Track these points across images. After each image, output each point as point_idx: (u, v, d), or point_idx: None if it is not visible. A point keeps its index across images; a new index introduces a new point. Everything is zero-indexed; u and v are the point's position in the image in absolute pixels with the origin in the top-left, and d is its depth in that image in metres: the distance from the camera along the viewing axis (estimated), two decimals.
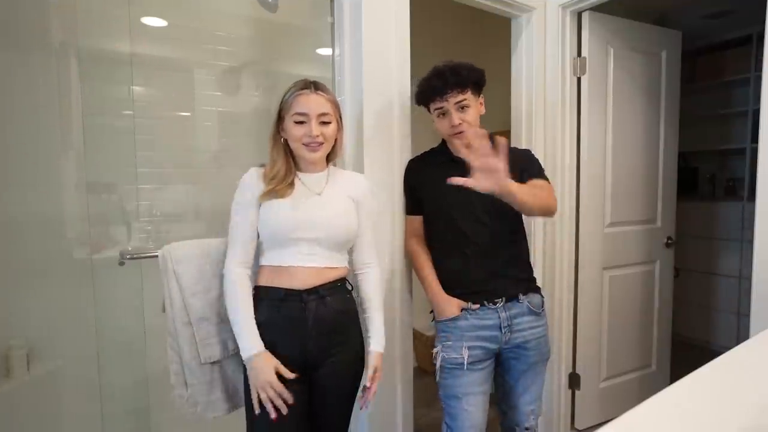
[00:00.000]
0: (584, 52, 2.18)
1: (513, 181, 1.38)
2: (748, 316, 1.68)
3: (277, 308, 1.25)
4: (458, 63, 1.47)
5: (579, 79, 2.21)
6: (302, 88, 1.26)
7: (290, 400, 1.18)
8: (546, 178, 1.59)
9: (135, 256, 1.42)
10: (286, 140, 1.29)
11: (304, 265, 1.26)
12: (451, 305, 1.54)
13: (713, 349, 3.35)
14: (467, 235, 1.52)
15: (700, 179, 3.61)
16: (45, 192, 1.32)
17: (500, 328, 1.52)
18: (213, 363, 1.37)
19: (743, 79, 3.17)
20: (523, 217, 1.61)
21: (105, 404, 1.44)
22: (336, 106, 1.31)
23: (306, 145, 1.25)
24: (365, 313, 1.40)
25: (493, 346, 1.54)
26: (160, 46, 1.51)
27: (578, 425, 2.36)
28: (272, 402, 1.17)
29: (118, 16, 1.42)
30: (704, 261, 3.43)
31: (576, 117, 2.23)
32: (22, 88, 1.27)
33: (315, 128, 1.23)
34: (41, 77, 1.30)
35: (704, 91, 3.42)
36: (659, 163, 2.50)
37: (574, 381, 2.34)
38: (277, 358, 1.22)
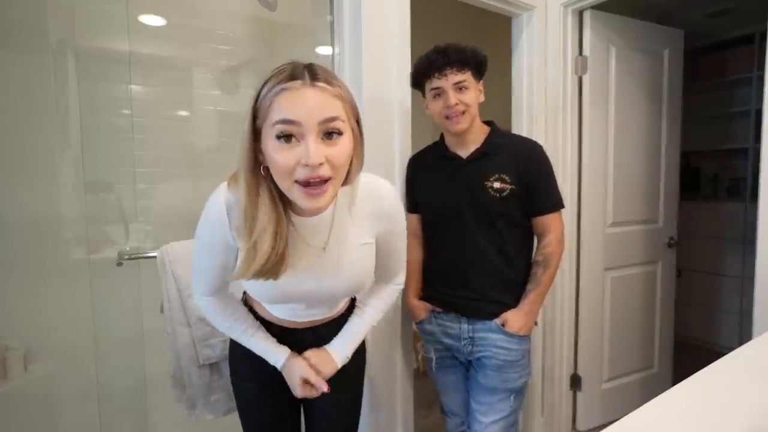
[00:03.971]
0: (585, 51, 2.17)
1: (531, 305, 1.40)
2: (751, 316, 1.66)
3: None
4: (460, 43, 1.38)
5: (580, 78, 2.20)
6: (289, 79, 0.78)
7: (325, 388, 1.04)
8: (558, 205, 1.45)
9: (133, 256, 1.41)
10: (266, 168, 0.83)
11: (302, 320, 1.08)
12: (418, 309, 1.55)
13: (716, 350, 3.33)
14: (448, 240, 1.45)
15: (702, 179, 3.60)
16: (42, 192, 1.31)
17: (461, 339, 1.47)
18: (211, 364, 1.36)
19: (746, 78, 3.15)
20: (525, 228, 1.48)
21: (103, 405, 1.43)
22: (350, 105, 0.85)
23: (304, 185, 0.79)
24: (353, 315, 1.14)
25: (458, 354, 1.51)
26: (158, 44, 1.51)
27: (579, 427, 2.35)
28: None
29: (115, 15, 1.41)
30: (706, 261, 3.41)
31: (577, 116, 2.21)
32: (19, 87, 1.26)
33: (315, 151, 0.76)
34: (38, 76, 1.29)
35: (706, 90, 3.40)
36: (661, 163, 2.48)
37: (575, 382, 2.33)
38: (267, 387, 1.11)
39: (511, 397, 1.45)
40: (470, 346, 1.46)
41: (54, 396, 1.35)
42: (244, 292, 1.11)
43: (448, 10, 2.81)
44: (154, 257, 1.37)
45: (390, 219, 1.01)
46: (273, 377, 1.08)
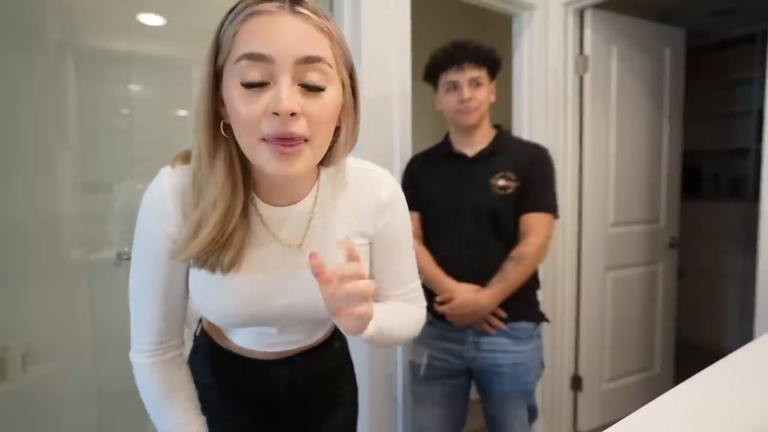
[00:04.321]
0: (586, 50, 2.16)
1: (490, 297, 1.34)
2: (752, 317, 1.66)
3: (228, 375, 0.85)
4: (478, 42, 1.40)
5: (581, 78, 2.19)
6: (262, 1, 0.60)
7: None
8: (549, 208, 1.43)
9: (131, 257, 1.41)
10: (227, 128, 0.64)
11: (274, 350, 0.85)
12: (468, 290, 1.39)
13: (718, 351, 3.31)
14: (454, 241, 1.43)
15: (703, 179, 3.59)
16: (41, 192, 1.31)
17: (464, 342, 1.42)
18: None
19: (747, 77, 3.14)
20: None
21: (102, 406, 1.43)
22: (341, 48, 0.66)
23: (273, 141, 0.60)
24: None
25: (456, 360, 1.44)
26: (158, 44, 1.50)
27: (580, 427, 2.34)
28: None
29: (115, 14, 1.41)
30: (708, 262, 3.40)
31: (578, 116, 2.21)
32: (17, 87, 1.26)
33: (287, 94, 0.58)
34: (37, 76, 1.29)
35: (708, 89, 3.39)
36: (662, 163, 2.48)
37: (576, 382, 2.32)
38: None
39: (525, 401, 1.44)
40: (474, 351, 1.42)
41: (53, 396, 1.35)
42: (200, 320, 0.93)
43: (448, 9, 2.81)
44: None
45: (391, 210, 0.80)
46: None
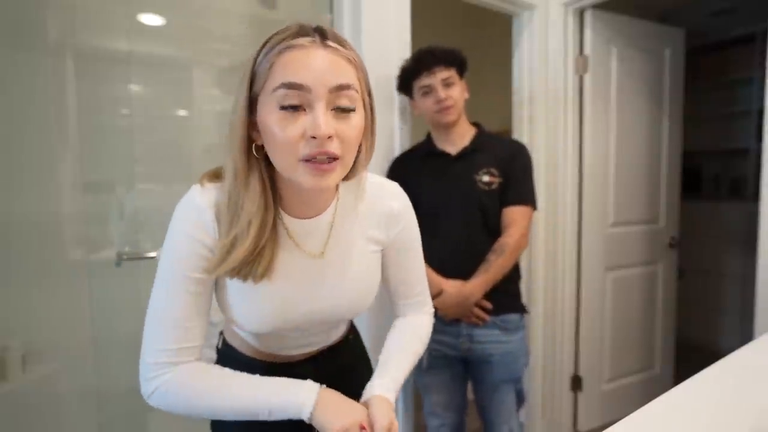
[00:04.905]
0: (586, 51, 2.16)
1: (475, 287, 1.41)
2: (752, 317, 1.66)
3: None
4: (443, 45, 1.46)
5: (581, 78, 2.19)
6: (296, 36, 0.66)
7: None
8: (528, 200, 1.49)
9: (132, 257, 1.41)
10: (260, 148, 0.71)
11: (296, 353, 0.90)
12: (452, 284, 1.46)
13: (717, 351, 3.31)
14: (441, 237, 1.47)
15: (703, 179, 3.59)
16: (41, 192, 1.30)
17: (458, 335, 1.49)
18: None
19: (747, 77, 3.14)
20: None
21: (102, 407, 1.43)
22: (364, 74, 0.73)
23: (310, 160, 0.66)
24: (382, 354, 0.91)
25: (452, 351, 1.51)
26: (158, 44, 1.50)
27: (580, 427, 2.34)
28: None
29: (115, 14, 1.41)
30: (708, 262, 3.40)
31: (578, 116, 2.21)
32: (16, 87, 1.26)
33: (324, 120, 0.64)
34: (37, 76, 1.28)
35: (708, 89, 3.39)
36: (662, 163, 2.48)
37: (576, 383, 2.32)
38: None
39: (514, 387, 1.53)
40: (468, 343, 1.49)
41: (53, 397, 1.35)
42: (221, 332, 0.97)
43: (448, 9, 2.81)
44: (153, 258, 1.37)
45: (403, 219, 0.88)
46: None
